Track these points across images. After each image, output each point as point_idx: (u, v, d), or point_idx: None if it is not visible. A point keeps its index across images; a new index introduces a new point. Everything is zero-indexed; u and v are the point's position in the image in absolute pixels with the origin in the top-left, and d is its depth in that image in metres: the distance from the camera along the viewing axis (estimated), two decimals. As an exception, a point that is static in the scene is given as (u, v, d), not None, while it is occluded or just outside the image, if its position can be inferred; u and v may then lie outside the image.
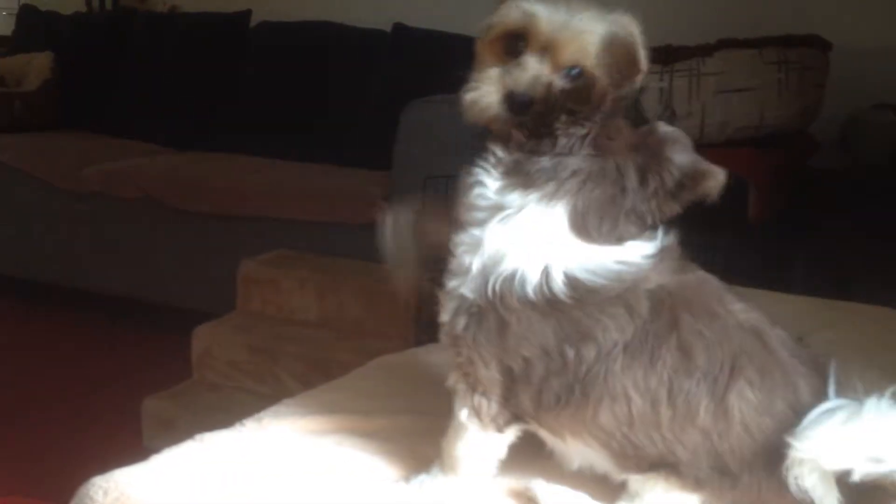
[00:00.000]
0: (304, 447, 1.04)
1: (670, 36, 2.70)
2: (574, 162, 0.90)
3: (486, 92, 0.92)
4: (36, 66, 3.96)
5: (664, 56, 2.53)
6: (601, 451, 0.91)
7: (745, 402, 0.86)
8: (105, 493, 0.96)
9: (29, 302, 3.48)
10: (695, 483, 0.88)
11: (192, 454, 1.02)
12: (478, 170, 0.93)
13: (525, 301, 0.87)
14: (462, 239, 0.92)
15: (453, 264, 0.92)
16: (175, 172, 3.27)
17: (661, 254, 0.91)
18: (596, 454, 0.92)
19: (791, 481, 0.82)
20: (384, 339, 2.27)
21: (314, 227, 2.88)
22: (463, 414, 0.94)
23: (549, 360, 0.88)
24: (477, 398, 0.93)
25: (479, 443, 0.95)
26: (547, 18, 0.91)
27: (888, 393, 0.82)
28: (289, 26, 3.69)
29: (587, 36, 0.93)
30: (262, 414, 1.10)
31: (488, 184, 0.91)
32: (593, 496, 0.95)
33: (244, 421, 1.09)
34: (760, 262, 2.33)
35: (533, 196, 0.89)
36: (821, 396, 0.86)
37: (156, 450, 1.03)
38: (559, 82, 0.91)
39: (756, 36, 2.55)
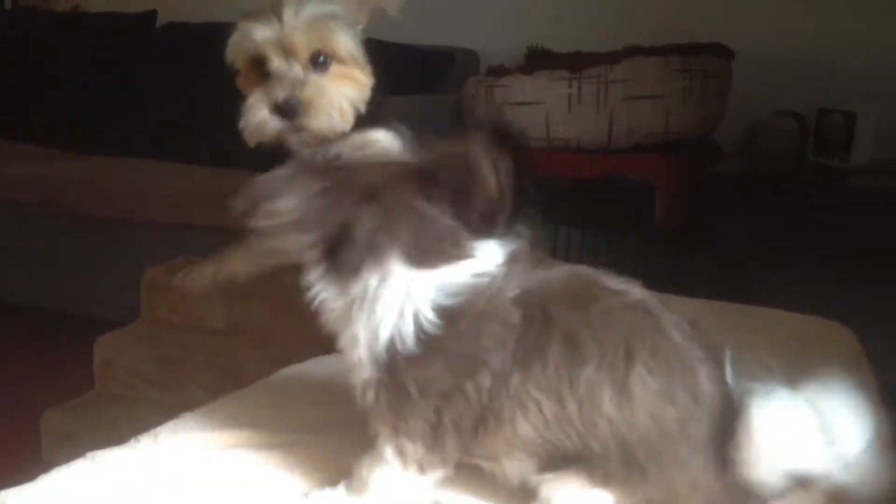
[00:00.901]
0: (201, 463, 1.01)
1: (579, 43, 2.74)
2: (364, 226, 0.88)
3: (256, 112, 1.03)
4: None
5: (573, 63, 2.55)
6: (530, 460, 0.91)
7: (646, 388, 0.86)
8: (-11, 516, 0.92)
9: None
10: (604, 478, 0.87)
11: (84, 473, 0.98)
12: (316, 288, 0.92)
13: (410, 356, 0.87)
14: (341, 342, 0.92)
15: (343, 356, 0.93)
16: (78, 177, 3.17)
17: (513, 258, 0.91)
18: (527, 464, 0.91)
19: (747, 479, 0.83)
20: (294, 347, 2.23)
21: (223, 233, 2.82)
22: (388, 453, 0.92)
23: (455, 402, 0.88)
24: (402, 441, 0.91)
25: (399, 481, 0.93)
26: (266, 32, 1.03)
27: (808, 387, 0.83)
28: (196, 28, 3.61)
29: (313, 25, 1.05)
30: (158, 429, 1.07)
31: (328, 296, 0.91)
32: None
33: (139, 437, 1.05)
34: (666, 266, 2.37)
35: (367, 274, 0.88)
36: (720, 384, 0.87)
37: (56, 465, 0.99)
38: (312, 75, 1.03)
39: (662, 44, 2.59)
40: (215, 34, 3.67)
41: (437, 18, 3.42)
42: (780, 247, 2.47)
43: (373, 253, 0.88)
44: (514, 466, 0.92)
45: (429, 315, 0.87)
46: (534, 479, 0.92)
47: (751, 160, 2.76)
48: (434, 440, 0.90)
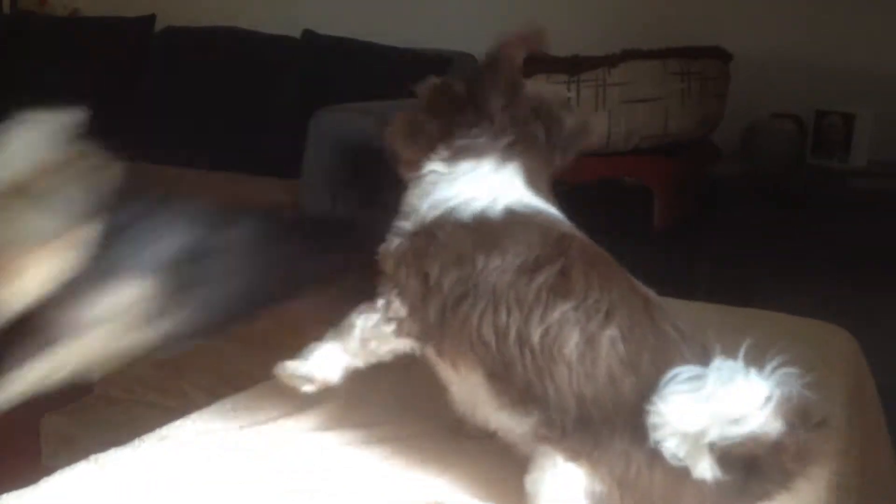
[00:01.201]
0: (202, 464, 1.01)
1: (577, 47, 2.74)
2: (506, 133, 1.04)
3: None
4: (-72, 71, 3.79)
5: (571, 66, 2.56)
6: (481, 372, 0.93)
7: (613, 350, 0.87)
8: (-8, 518, 0.92)
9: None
10: (561, 432, 0.87)
11: (87, 475, 0.98)
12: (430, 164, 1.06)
13: (459, 223, 0.98)
14: (415, 190, 1.05)
15: (404, 208, 1.05)
16: (76, 181, 3.17)
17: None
18: (479, 379, 0.94)
19: (659, 447, 0.83)
20: (293, 351, 2.23)
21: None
22: (379, 302, 1.01)
23: (460, 268, 0.95)
24: (394, 295, 1.00)
25: (377, 326, 1.01)
26: None
27: (739, 355, 0.84)
28: (195, 32, 3.61)
29: None
30: (161, 430, 1.07)
31: (436, 169, 1.04)
32: None
33: (142, 437, 1.06)
34: (664, 268, 2.37)
35: (485, 162, 1.03)
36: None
37: (56, 469, 1.00)
38: None
39: (660, 47, 2.60)
40: (214, 38, 3.66)
41: (433, 22, 3.42)
42: (778, 248, 2.47)
43: (500, 152, 1.03)
44: (470, 381, 0.95)
45: (499, 209, 0.99)
46: (487, 412, 0.95)
47: (749, 162, 2.76)
48: (420, 303, 0.98)
